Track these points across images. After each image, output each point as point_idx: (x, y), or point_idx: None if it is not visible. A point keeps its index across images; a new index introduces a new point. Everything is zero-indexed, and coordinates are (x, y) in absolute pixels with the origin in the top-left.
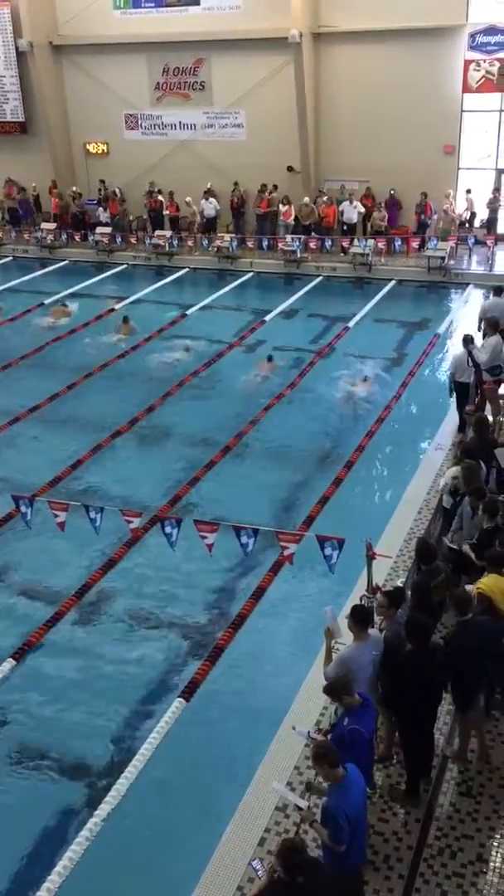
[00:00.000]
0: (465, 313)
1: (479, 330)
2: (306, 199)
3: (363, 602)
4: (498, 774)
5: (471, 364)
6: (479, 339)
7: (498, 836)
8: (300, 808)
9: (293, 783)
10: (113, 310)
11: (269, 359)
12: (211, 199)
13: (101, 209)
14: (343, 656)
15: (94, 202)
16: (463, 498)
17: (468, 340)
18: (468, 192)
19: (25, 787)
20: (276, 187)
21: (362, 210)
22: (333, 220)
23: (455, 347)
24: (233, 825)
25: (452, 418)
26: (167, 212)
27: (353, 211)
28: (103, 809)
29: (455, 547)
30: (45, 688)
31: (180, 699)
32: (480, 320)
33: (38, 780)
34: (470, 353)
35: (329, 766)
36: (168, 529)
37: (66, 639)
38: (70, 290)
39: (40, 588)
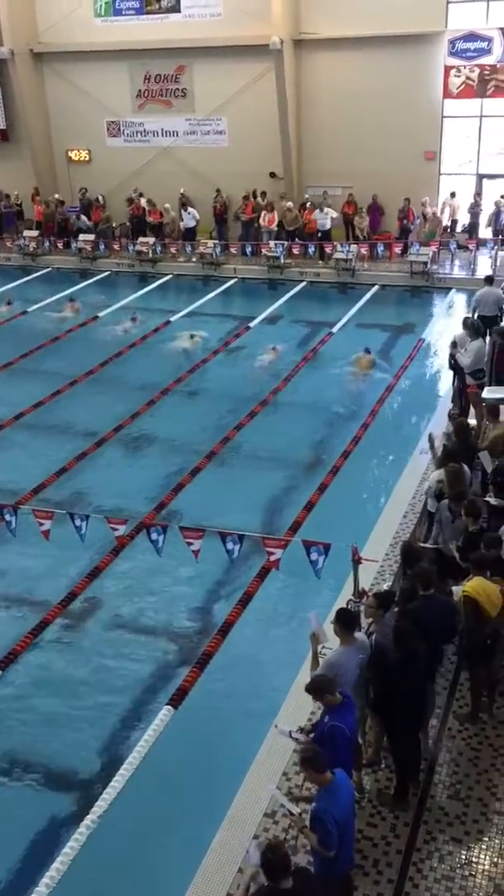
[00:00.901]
0: (449, 317)
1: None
2: (290, 205)
3: (350, 606)
4: (485, 777)
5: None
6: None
7: (486, 839)
8: (291, 814)
9: (281, 789)
10: (97, 317)
11: (274, 348)
12: (190, 210)
13: (79, 216)
14: (329, 661)
15: (76, 209)
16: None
17: (454, 345)
18: (453, 195)
19: (11, 798)
20: (264, 194)
21: (335, 215)
22: (316, 225)
23: (442, 350)
24: (221, 832)
25: (438, 422)
26: (151, 219)
27: (325, 218)
28: (91, 819)
29: (431, 546)
30: (30, 697)
31: (168, 707)
32: (473, 310)
33: (24, 790)
34: (454, 357)
35: (316, 770)
36: (154, 536)
37: (51, 647)
38: (54, 297)
39: (25, 596)
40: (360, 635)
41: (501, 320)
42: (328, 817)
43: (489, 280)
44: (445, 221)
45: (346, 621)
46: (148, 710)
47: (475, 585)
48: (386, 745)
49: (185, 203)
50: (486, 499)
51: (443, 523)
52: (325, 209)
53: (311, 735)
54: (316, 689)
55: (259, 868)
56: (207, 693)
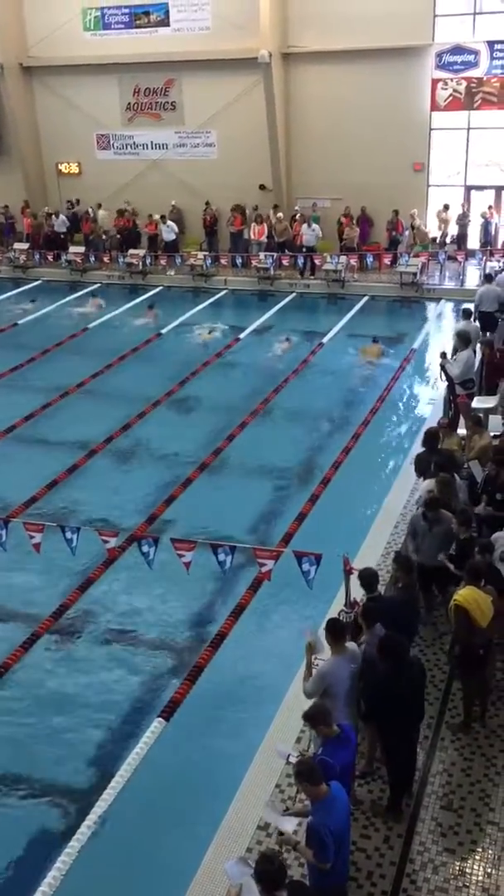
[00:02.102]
0: (439, 327)
1: (473, 319)
2: (279, 216)
3: (341, 617)
4: (478, 787)
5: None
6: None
7: (480, 850)
8: (281, 833)
9: (274, 802)
10: (87, 329)
11: (287, 338)
12: (169, 223)
13: (58, 214)
14: (321, 671)
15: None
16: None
17: (443, 356)
18: (446, 208)
19: (1, 812)
20: (256, 208)
21: (321, 235)
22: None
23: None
24: (214, 846)
25: None
26: (147, 230)
27: (312, 234)
28: (82, 833)
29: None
30: (21, 710)
31: (160, 719)
32: (476, 307)
33: (15, 804)
34: (443, 368)
35: (311, 783)
36: (145, 548)
37: (42, 661)
38: (44, 311)
39: (16, 609)
40: (351, 645)
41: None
42: (325, 830)
43: (489, 278)
44: (435, 233)
45: (335, 631)
46: (139, 722)
47: (466, 595)
48: (379, 756)
49: (164, 216)
50: (477, 510)
51: (418, 534)
52: (314, 226)
53: None
54: (310, 718)
55: (240, 885)
56: (199, 705)
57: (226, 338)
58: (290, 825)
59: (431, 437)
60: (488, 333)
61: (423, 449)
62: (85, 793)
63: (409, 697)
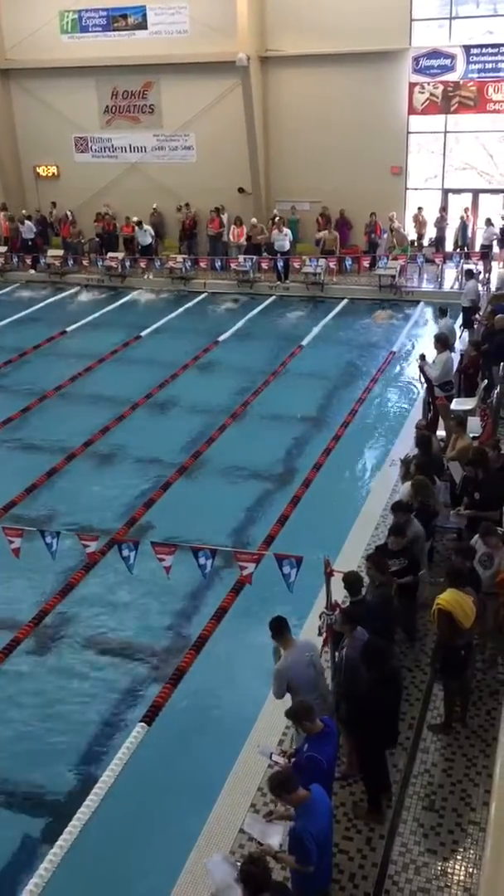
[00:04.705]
0: (418, 330)
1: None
2: (254, 220)
3: (322, 619)
4: (459, 788)
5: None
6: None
7: (461, 850)
8: (260, 844)
9: (257, 805)
10: (65, 332)
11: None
12: (146, 227)
13: (26, 229)
14: (278, 670)
15: (40, 227)
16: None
17: (422, 358)
18: (420, 209)
19: None
20: (239, 219)
21: (291, 239)
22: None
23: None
24: (197, 850)
25: (407, 434)
26: (125, 232)
27: (283, 239)
28: (65, 839)
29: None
30: (1, 715)
31: (142, 724)
32: (466, 299)
33: None
34: (422, 370)
35: (288, 791)
36: (126, 552)
37: (23, 666)
38: (23, 313)
39: None
40: (297, 638)
41: (479, 310)
42: (307, 835)
43: (469, 273)
44: (412, 236)
45: (277, 629)
46: (121, 727)
47: (448, 598)
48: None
49: (140, 221)
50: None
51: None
52: (285, 230)
53: (292, 760)
54: (294, 715)
55: (223, 885)
56: (181, 709)
57: (177, 358)
58: (276, 838)
59: (426, 443)
60: (466, 332)
61: (418, 452)
62: (68, 798)
63: (392, 707)
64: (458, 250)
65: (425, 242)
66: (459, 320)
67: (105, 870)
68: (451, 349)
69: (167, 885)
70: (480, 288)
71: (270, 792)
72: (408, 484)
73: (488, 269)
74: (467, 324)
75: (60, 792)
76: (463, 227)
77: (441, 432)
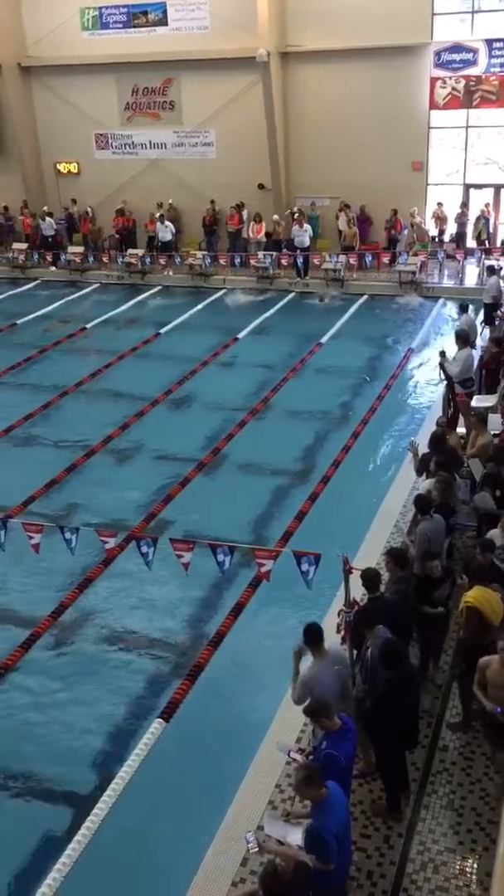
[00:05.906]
0: (439, 326)
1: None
2: (275, 217)
3: (340, 617)
4: (479, 787)
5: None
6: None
7: (480, 849)
8: (279, 843)
9: (275, 801)
10: (84, 328)
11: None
12: (167, 224)
13: (44, 217)
14: (304, 679)
15: (62, 223)
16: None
17: (442, 354)
18: (439, 204)
19: (1, 814)
20: (258, 215)
21: (311, 234)
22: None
23: (432, 360)
24: (214, 847)
25: (427, 431)
26: (149, 228)
27: (304, 235)
28: (83, 834)
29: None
30: (21, 711)
31: (160, 720)
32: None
33: (15, 806)
34: (442, 367)
35: (309, 787)
36: (144, 549)
37: (41, 661)
38: (45, 310)
39: (14, 610)
40: (333, 647)
41: (501, 306)
42: (326, 833)
43: (491, 270)
44: (433, 231)
45: (312, 637)
46: (139, 723)
47: (477, 595)
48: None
49: (161, 216)
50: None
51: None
52: (305, 226)
53: (310, 758)
54: (312, 712)
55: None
56: (199, 706)
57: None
58: (296, 836)
59: (438, 440)
60: (487, 328)
61: (429, 450)
62: (85, 794)
63: (411, 707)
64: (479, 246)
65: (446, 238)
66: (481, 316)
67: (122, 866)
68: (472, 346)
69: (184, 882)
70: (502, 284)
71: (294, 787)
72: (430, 481)
73: None
74: (488, 320)
75: (78, 787)
76: (485, 222)
77: (461, 429)
